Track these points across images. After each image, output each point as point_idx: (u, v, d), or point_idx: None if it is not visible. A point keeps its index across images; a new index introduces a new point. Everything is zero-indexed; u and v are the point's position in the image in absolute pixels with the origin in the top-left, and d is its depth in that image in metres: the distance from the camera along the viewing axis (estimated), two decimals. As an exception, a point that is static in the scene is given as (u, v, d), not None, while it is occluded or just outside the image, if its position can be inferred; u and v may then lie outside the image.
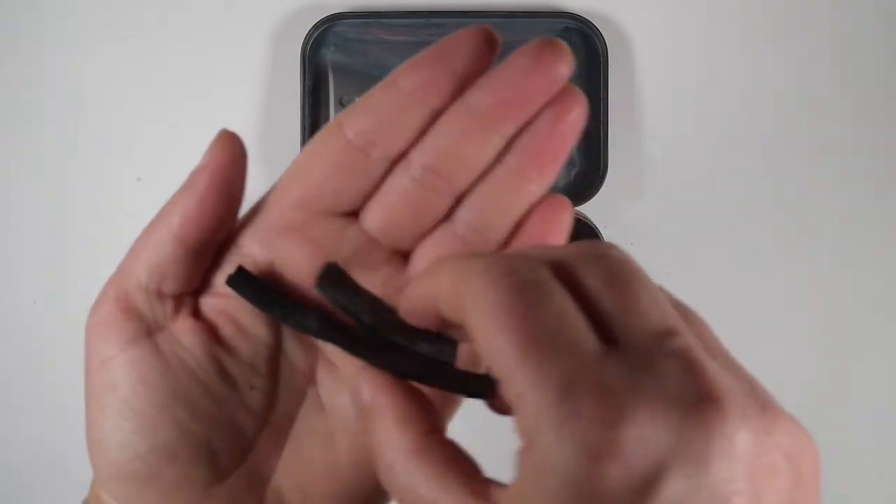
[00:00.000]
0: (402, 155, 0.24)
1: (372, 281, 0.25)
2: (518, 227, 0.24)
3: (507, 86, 0.22)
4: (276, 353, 0.25)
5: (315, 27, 0.43)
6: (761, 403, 0.22)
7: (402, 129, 0.23)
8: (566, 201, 0.24)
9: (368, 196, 0.24)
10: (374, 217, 0.24)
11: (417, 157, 0.23)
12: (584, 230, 0.43)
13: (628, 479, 0.20)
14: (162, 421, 0.24)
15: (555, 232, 0.24)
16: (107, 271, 0.49)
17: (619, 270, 0.22)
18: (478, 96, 0.22)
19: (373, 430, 0.22)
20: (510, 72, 0.22)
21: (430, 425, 0.22)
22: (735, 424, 0.21)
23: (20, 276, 0.46)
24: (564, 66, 0.22)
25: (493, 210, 0.24)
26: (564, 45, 0.22)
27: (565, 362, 0.20)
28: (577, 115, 0.22)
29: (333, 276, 0.24)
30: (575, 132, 0.22)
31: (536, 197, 0.24)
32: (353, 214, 0.25)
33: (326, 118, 0.44)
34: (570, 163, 0.45)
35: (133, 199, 0.46)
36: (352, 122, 0.23)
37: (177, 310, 0.25)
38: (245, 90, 0.45)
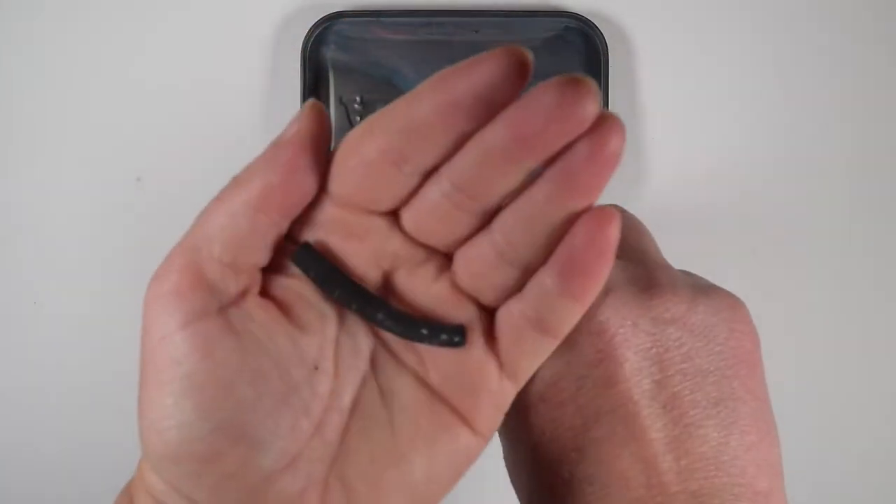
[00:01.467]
0: (436, 168, 0.23)
1: (417, 276, 0.25)
2: (557, 241, 0.23)
3: (527, 125, 0.21)
4: (340, 334, 0.25)
5: (315, 26, 0.43)
6: (642, 286, 0.26)
7: (431, 147, 0.23)
8: (613, 213, 0.23)
9: (406, 200, 0.24)
10: (410, 223, 0.24)
11: (446, 175, 0.23)
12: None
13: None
14: (227, 399, 0.23)
15: (600, 247, 0.23)
16: (106, 270, 0.49)
17: None
18: (498, 132, 0.22)
19: None
20: (531, 110, 0.21)
21: None
22: (593, 310, 0.25)
23: (20, 276, 0.46)
24: (591, 106, 0.21)
25: (526, 228, 0.23)
26: (591, 82, 0.21)
27: None
28: (614, 147, 0.21)
29: (309, 253, 0.24)
30: (613, 163, 0.22)
31: (575, 213, 0.23)
32: (395, 212, 0.25)
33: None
34: (571, 162, 0.45)
35: (133, 199, 0.45)
36: (380, 137, 0.23)
37: (250, 285, 0.24)
38: (245, 89, 0.45)
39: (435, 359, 0.25)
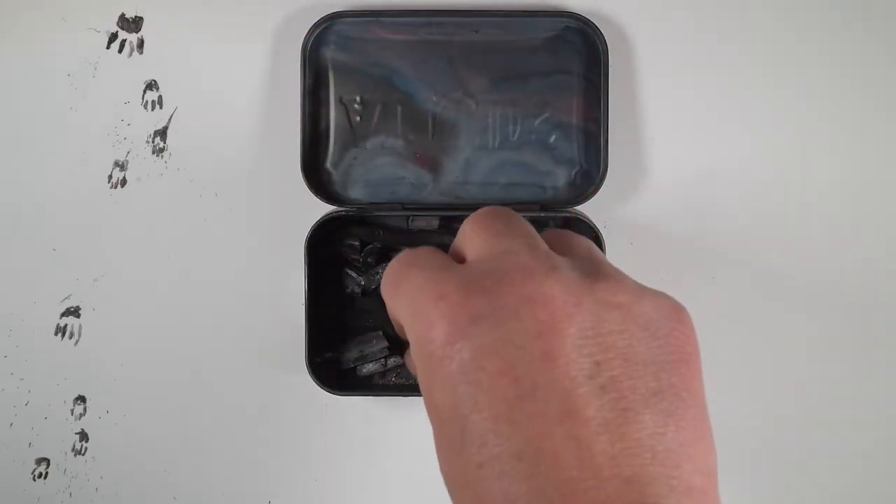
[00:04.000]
0: None
1: None
2: None
3: None
4: None
5: (315, 25, 0.43)
6: (588, 273, 0.26)
7: None
8: None
9: None
10: None
11: None
12: (584, 230, 0.43)
13: (447, 334, 0.25)
14: None
15: None
16: (106, 271, 0.49)
17: (482, 220, 0.28)
18: None
19: None
20: None
21: None
22: (539, 282, 0.25)
23: (20, 276, 0.46)
24: None
25: None
26: None
27: (421, 279, 0.27)
28: None
29: None
30: None
31: None
32: None
33: (327, 117, 0.44)
34: (570, 162, 0.44)
35: (133, 199, 0.46)
36: None
37: None
38: (245, 89, 0.45)
39: None
